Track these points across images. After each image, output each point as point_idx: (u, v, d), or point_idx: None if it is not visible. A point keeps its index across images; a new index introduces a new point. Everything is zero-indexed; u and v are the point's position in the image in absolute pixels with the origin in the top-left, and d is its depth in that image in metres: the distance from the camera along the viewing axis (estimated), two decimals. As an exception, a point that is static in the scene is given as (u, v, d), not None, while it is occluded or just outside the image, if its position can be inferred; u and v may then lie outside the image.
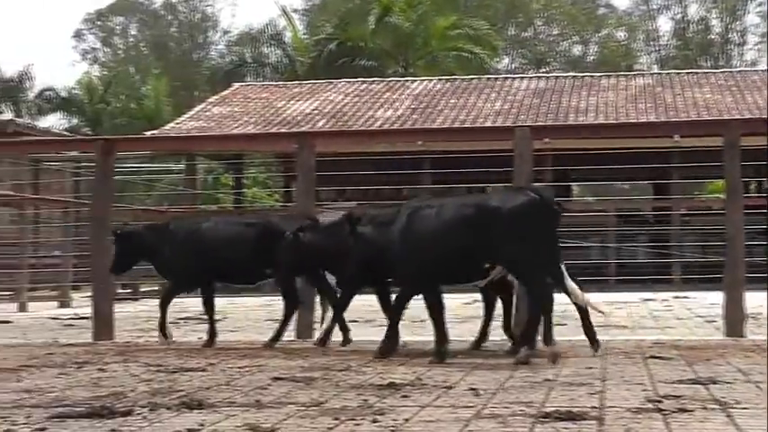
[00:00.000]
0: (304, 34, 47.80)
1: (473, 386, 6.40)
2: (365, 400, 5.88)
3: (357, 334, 9.84)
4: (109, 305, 11.35)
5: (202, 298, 10.24)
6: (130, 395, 6.32)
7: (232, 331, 11.73)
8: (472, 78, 34.43)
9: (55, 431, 5.06)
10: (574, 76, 34.63)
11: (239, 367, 7.85)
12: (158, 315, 10.29)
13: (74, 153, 26.47)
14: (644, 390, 6.13)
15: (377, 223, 8.90)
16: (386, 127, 27.89)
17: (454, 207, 8.38)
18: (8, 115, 40.37)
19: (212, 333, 10.05)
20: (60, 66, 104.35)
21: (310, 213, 10.55)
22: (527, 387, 6.35)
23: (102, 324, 11.13)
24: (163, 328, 10.20)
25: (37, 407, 5.89)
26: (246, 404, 5.82)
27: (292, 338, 10.48)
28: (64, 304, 19.33)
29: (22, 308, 18.83)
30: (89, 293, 11.84)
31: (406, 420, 5.18)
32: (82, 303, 18.12)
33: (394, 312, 8.69)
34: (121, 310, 13.05)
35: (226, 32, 61.31)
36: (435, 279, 8.42)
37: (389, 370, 7.50)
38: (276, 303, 15.17)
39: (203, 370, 7.70)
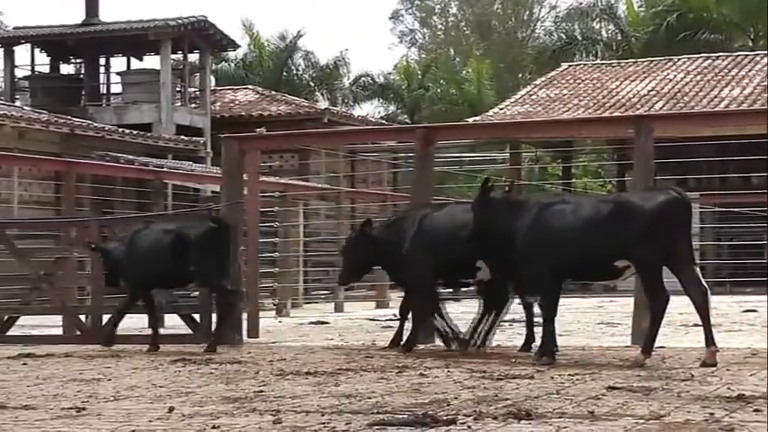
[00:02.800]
0: (640, 6, 46.99)
1: (840, 403, 6.13)
2: (711, 414, 5.76)
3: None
4: (429, 306, 11.59)
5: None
6: (454, 403, 6.45)
7: (561, 335, 11.71)
8: (834, 50, 32.85)
9: (375, 439, 5.24)
10: None
11: (570, 374, 7.86)
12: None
13: (391, 143, 27.19)
14: None
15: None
16: (733, 107, 27.08)
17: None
18: (324, 104, 41.95)
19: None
20: (377, 50, 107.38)
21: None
22: None
23: (424, 326, 11.38)
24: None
25: (357, 413, 6.12)
26: (579, 415, 5.82)
27: (628, 344, 10.39)
28: (381, 305, 19.91)
29: (339, 308, 19.55)
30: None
31: (760, 439, 5.04)
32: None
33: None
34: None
35: (553, 8, 61.04)
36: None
37: (738, 380, 7.31)
38: (608, 305, 15.09)
39: (531, 377, 7.76)
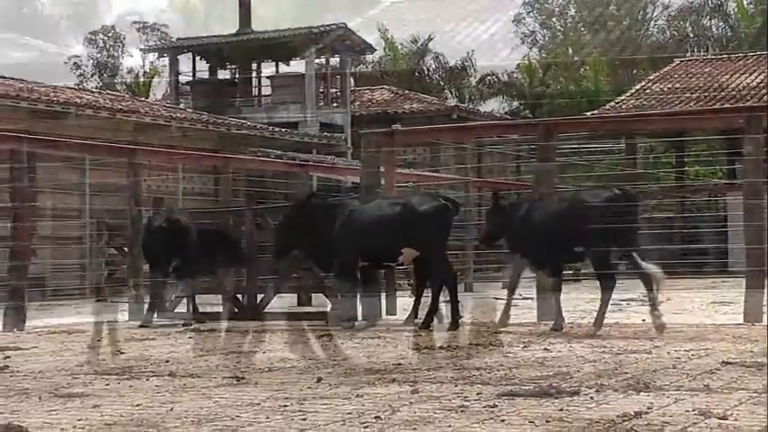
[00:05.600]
0: (749, 3, 45.87)
1: None
2: (822, 389, 5.61)
3: None
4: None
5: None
6: (576, 376, 6.40)
7: (676, 313, 11.54)
8: None
9: (505, 408, 5.21)
10: None
11: (685, 350, 7.73)
12: None
13: (515, 136, 27.02)
14: None
15: None
16: (842, 98, 26.29)
17: None
18: (453, 101, 41.80)
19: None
20: (501, 50, 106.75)
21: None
22: None
23: (546, 304, 11.32)
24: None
25: (486, 384, 6.11)
26: (695, 389, 5.72)
27: (740, 322, 10.17)
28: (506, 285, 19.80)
29: (468, 288, 19.52)
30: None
31: None
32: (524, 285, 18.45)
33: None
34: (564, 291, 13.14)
35: (665, 7, 59.95)
36: None
37: None
38: (720, 285, 14.77)
39: (648, 352, 7.66)
